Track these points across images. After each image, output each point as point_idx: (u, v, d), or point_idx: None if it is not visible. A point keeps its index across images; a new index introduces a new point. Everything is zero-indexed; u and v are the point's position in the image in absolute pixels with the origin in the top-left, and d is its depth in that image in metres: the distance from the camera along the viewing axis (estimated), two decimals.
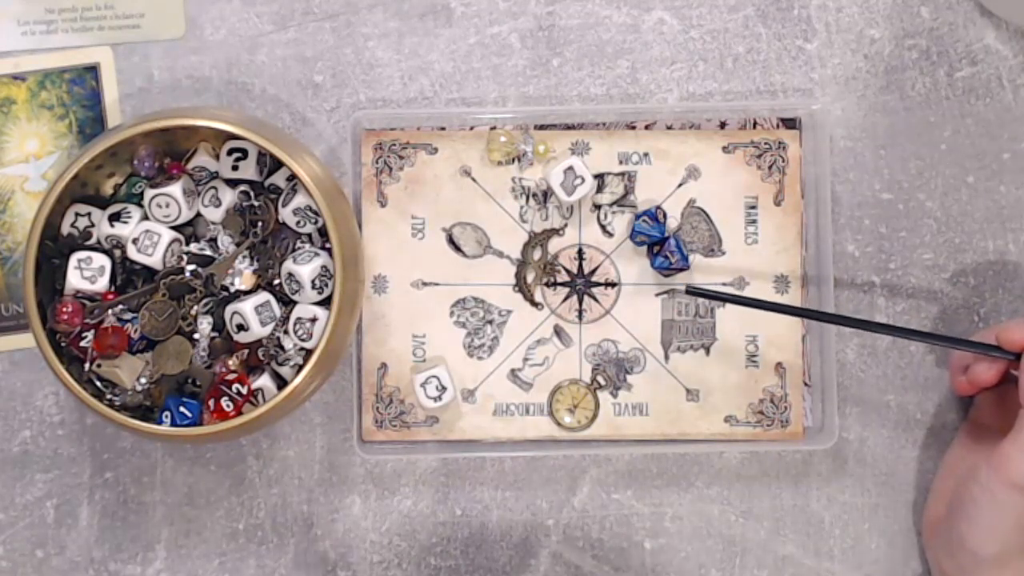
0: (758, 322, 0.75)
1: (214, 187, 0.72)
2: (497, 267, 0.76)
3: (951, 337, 0.72)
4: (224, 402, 0.70)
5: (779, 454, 0.76)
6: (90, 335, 0.70)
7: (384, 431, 0.75)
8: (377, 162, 0.75)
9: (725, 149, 0.76)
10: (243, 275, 0.72)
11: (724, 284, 0.76)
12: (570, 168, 0.74)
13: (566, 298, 0.76)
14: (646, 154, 0.76)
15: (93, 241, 0.72)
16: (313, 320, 0.70)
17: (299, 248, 0.72)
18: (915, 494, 0.76)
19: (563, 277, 0.76)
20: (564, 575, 0.76)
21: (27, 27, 0.76)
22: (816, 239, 0.75)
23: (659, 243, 0.75)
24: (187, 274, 0.71)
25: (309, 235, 0.72)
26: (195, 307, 0.71)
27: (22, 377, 0.76)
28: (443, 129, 0.76)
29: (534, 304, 0.76)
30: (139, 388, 0.71)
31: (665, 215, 0.75)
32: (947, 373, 0.76)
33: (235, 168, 0.72)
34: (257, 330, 0.70)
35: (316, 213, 0.70)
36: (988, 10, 0.77)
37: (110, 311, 0.71)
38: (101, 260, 0.70)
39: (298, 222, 0.71)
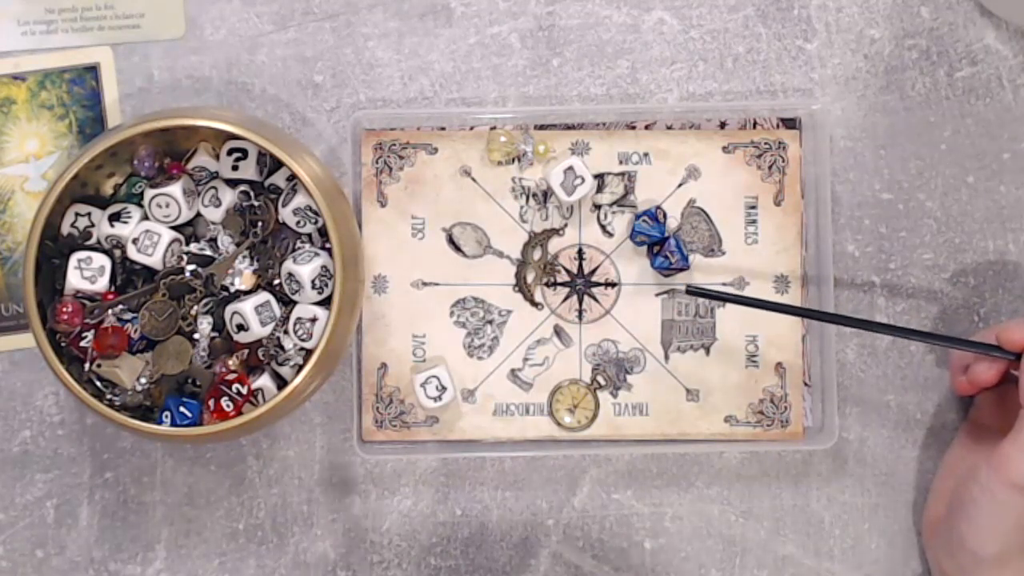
0: (758, 322, 0.75)
1: (214, 187, 0.72)
2: (497, 267, 0.76)
3: (951, 337, 0.72)
4: (224, 402, 0.70)
5: (779, 454, 0.76)
6: (90, 335, 0.70)
7: (384, 431, 0.75)
8: (377, 162, 0.75)
9: (725, 149, 0.76)
10: (243, 275, 0.72)
11: (724, 284, 0.76)
12: (570, 168, 0.74)
13: (566, 298, 0.76)
14: (646, 154, 0.76)
15: (93, 241, 0.72)
16: (313, 320, 0.70)
17: (299, 248, 0.72)
18: (915, 494, 0.76)
19: (563, 277, 0.76)
20: (564, 575, 0.76)
21: (27, 27, 0.76)
22: (816, 239, 0.75)
23: (659, 243, 0.75)
24: (187, 274, 0.71)
25: (309, 235, 0.72)
26: (195, 307, 0.71)
27: (22, 377, 0.76)
28: (443, 129, 0.76)
29: (534, 304, 0.76)
30: (139, 388, 0.71)
31: (665, 215, 0.75)
32: (947, 373, 0.76)
33: (235, 168, 0.72)
34: (257, 330, 0.70)
35: (316, 213, 0.70)
36: (988, 10, 0.77)
37: (110, 311, 0.71)
38: (101, 260, 0.70)
39: (298, 222, 0.71)
